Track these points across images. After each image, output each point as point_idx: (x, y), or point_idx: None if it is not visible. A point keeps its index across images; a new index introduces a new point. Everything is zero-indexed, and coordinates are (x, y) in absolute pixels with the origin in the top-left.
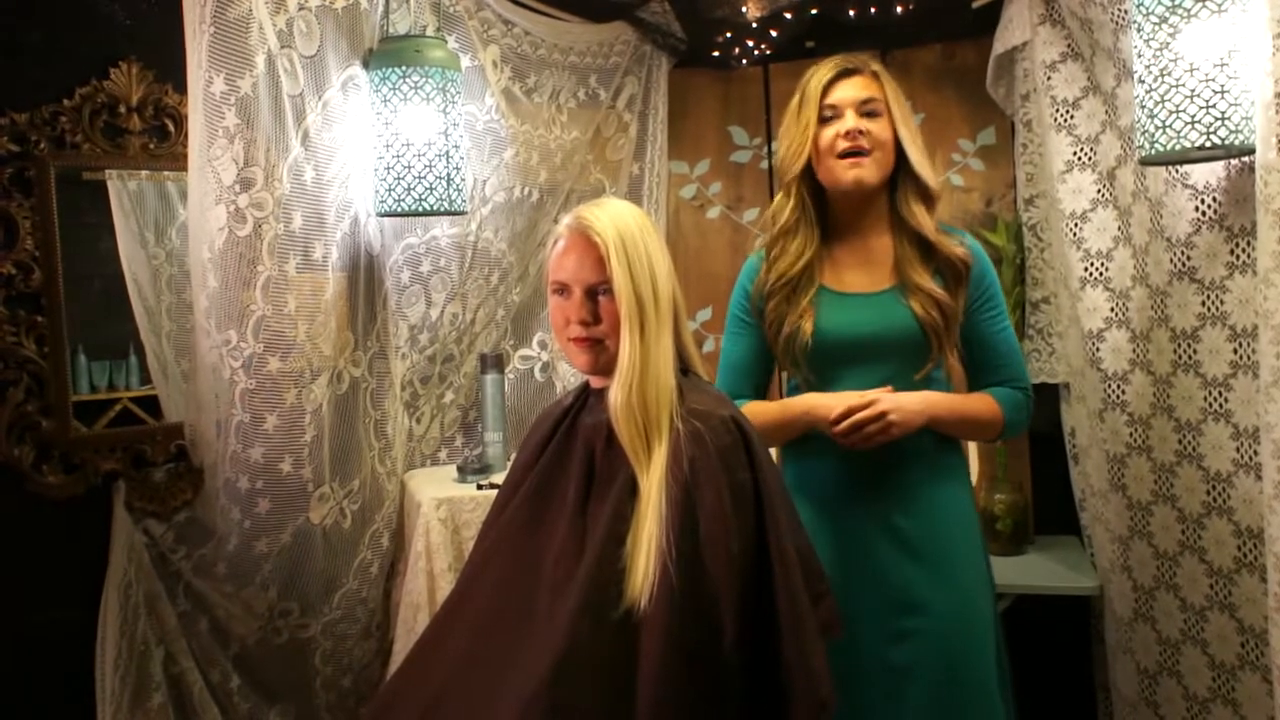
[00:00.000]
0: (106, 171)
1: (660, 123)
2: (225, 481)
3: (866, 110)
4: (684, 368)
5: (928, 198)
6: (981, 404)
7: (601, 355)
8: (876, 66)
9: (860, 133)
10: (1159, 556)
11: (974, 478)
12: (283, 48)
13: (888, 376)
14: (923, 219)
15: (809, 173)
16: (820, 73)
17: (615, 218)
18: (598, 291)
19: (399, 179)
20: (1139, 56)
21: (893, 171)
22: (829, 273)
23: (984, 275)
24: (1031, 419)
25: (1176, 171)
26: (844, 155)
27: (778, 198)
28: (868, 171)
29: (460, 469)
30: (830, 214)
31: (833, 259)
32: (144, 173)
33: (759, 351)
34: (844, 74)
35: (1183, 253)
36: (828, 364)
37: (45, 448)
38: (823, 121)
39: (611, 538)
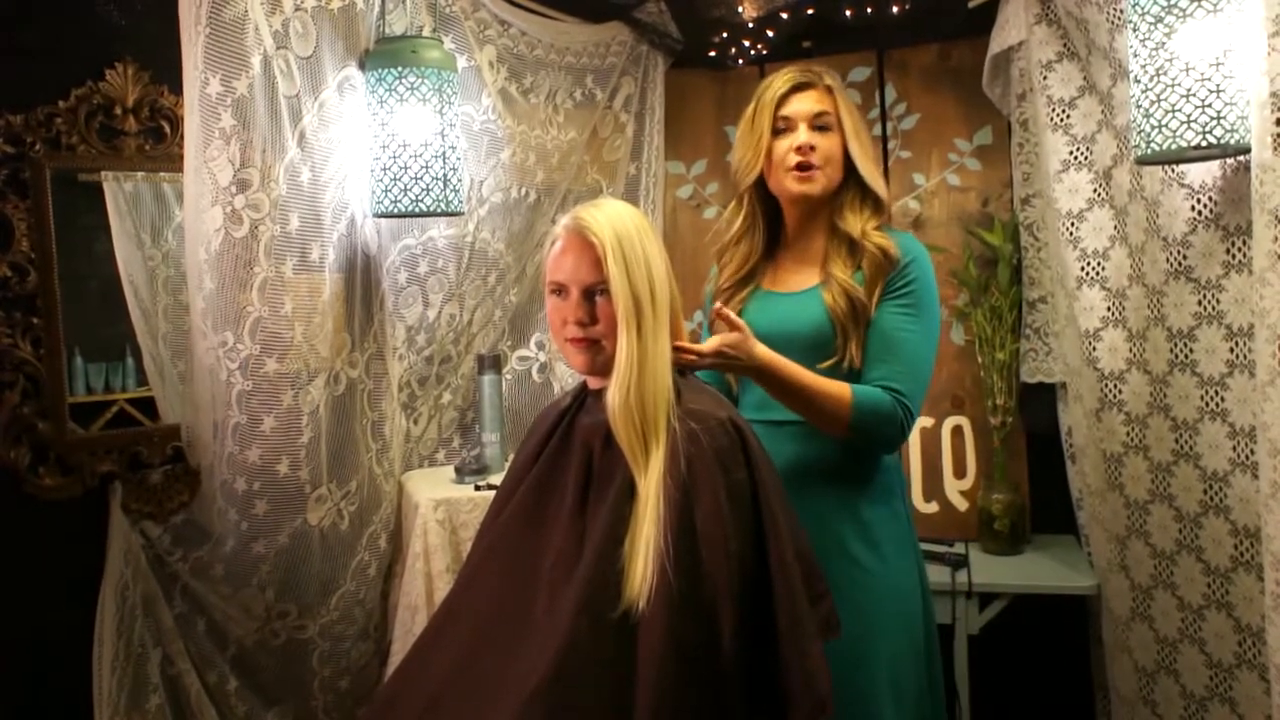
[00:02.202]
0: (102, 173)
1: (657, 123)
2: (222, 483)
3: (818, 124)
4: (681, 369)
5: (877, 206)
6: (832, 388)
7: (599, 356)
8: (831, 80)
9: (811, 148)
10: (1156, 556)
11: (970, 478)
12: (278, 49)
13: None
14: (852, 221)
15: (761, 181)
16: (775, 84)
17: (613, 218)
18: (595, 292)
19: (395, 180)
20: (1135, 56)
21: (841, 180)
22: (770, 275)
23: (907, 271)
24: (899, 434)
25: (1172, 171)
26: (794, 168)
27: (730, 206)
28: (814, 186)
29: (458, 470)
30: (781, 219)
31: (776, 262)
32: (140, 174)
33: None
34: (798, 87)
35: (1179, 252)
36: None
37: (42, 450)
38: (776, 133)
39: (610, 538)
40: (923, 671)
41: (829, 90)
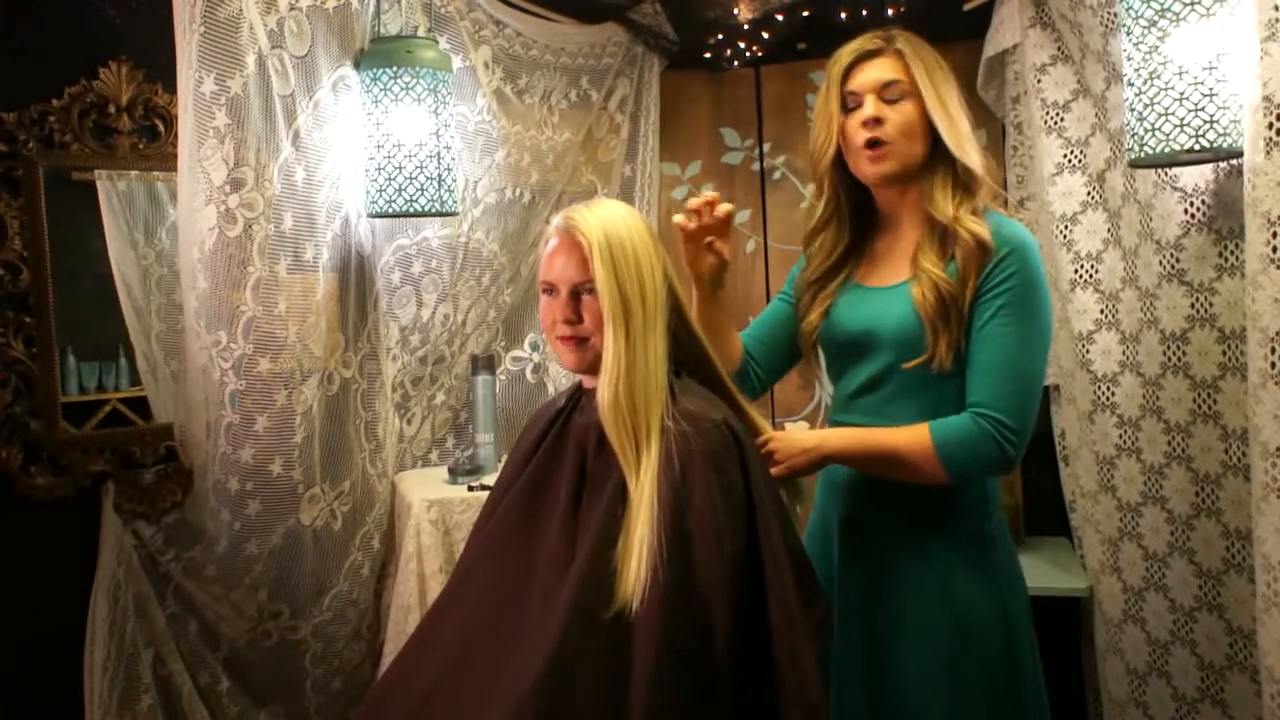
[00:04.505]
0: (96, 171)
1: (652, 124)
2: (215, 483)
3: (890, 96)
4: (677, 370)
5: (968, 181)
6: (905, 438)
7: (587, 354)
8: (904, 44)
9: (878, 121)
10: (1148, 558)
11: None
12: (273, 48)
13: (881, 370)
14: (941, 204)
15: (841, 164)
16: (842, 57)
17: (603, 218)
18: (581, 291)
19: (390, 180)
20: (1128, 60)
21: (925, 156)
22: (864, 266)
23: (1006, 264)
24: (1002, 456)
25: (1166, 174)
26: (865, 146)
27: (811, 192)
28: (888, 165)
29: (451, 470)
30: (873, 203)
31: (871, 251)
32: (133, 173)
33: (778, 319)
34: (865, 56)
35: (1172, 255)
36: (831, 358)
37: (34, 449)
38: (846, 110)
39: (603, 539)
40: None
41: (900, 55)
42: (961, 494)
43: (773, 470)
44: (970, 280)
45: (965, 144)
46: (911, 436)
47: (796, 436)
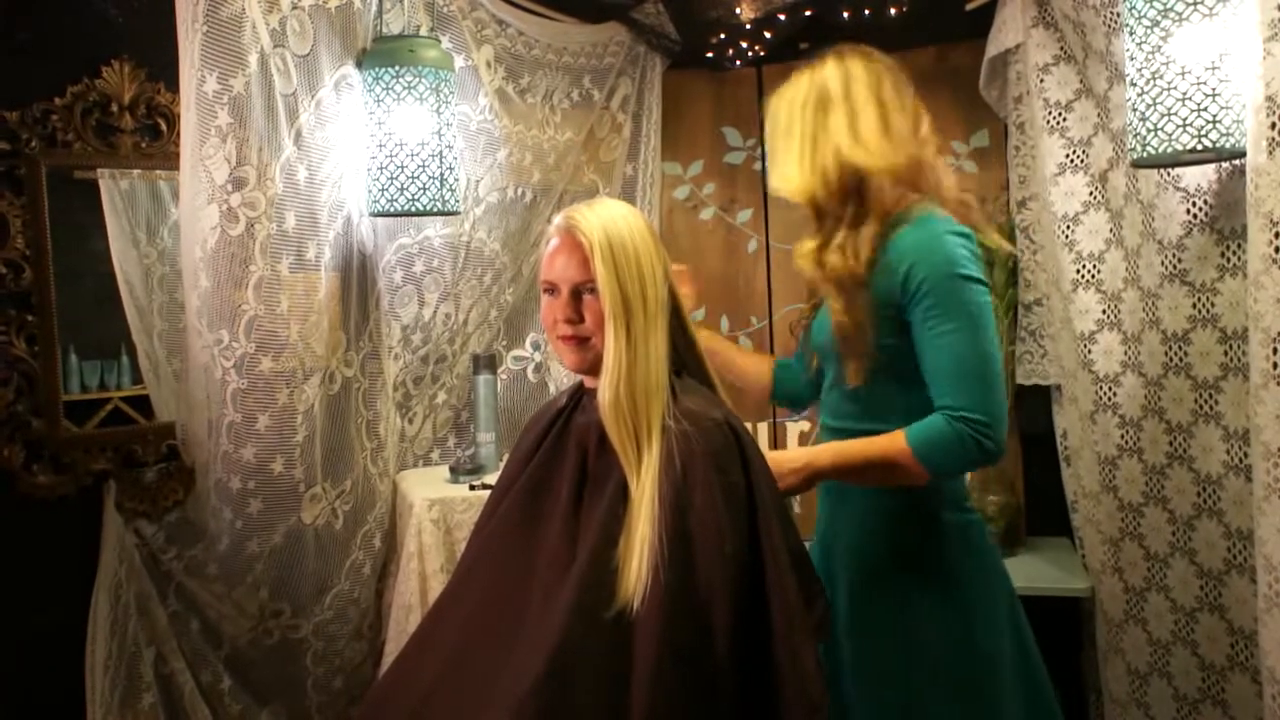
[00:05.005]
0: (98, 170)
1: (654, 124)
2: (217, 482)
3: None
4: (678, 369)
5: (855, 202)
6: (881, 444)
7: (588, 354)
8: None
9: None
10: (1150, 558)
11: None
12: (276, 47)
13: (835, 378)
14: (852, 246)
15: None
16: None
17: (604, 218)
18: (583, 291)
19: (392, 179)
20: (1131, 60)
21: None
22: None
23: (910, 278)
24: (978, 451)
25: (1168, 174)
26: None
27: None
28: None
29: (453, 470)
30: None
31: None
32: (136, 172)
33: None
34: None
35: (1174, 255)
36: (818, 361)
37: (36, 447)
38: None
39: (604, 538)
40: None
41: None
42: (912, 509)
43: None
44: (890, 299)
45: (818, 166)
46: (890, 443)
47: (785, 456)
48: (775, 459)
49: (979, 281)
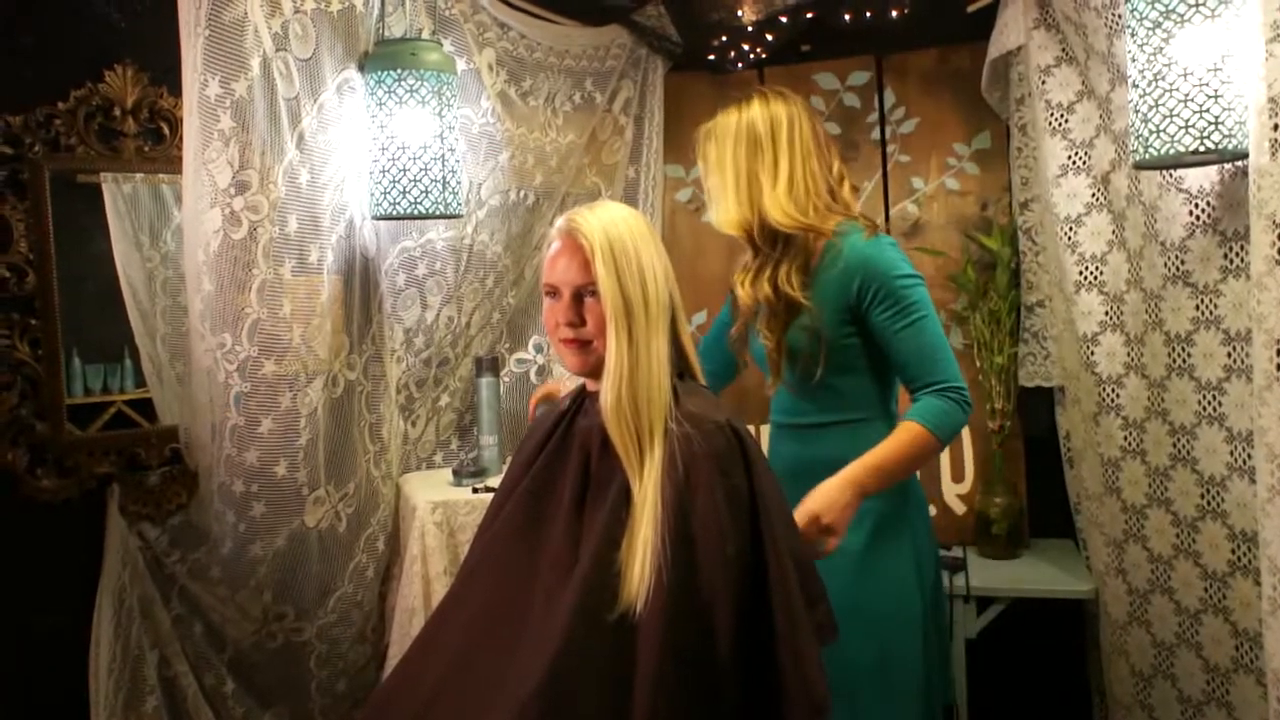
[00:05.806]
0: (101, 174)
1: (656, 126)
2: (220, 485)
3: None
4: (680, 372)
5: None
6: (905, 438)
7: (590, 357)
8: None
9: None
10: (1153, 560)
11: (968, 481)
12: (278, 51)
13: (788, 381)
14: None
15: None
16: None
17: (605, 221)
18: (584, 294)
19: (394, 182)
20: (1133, 61)
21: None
22: None
23: (865, 286)
24: (965, 412)
25: (1170, 176)
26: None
27: None
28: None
29: (455, 472)
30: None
31: None
32: (139, 175)
33: None
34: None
35: (1177, 256)
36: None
37: (39, 451)
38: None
39: (607, 541)
40: (917, 668)
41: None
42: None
43: (834, 540)
44: (844, 304)
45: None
46: (912, 437)
47: (833, 499)
48: (830, 509)
49: (916, 276)
